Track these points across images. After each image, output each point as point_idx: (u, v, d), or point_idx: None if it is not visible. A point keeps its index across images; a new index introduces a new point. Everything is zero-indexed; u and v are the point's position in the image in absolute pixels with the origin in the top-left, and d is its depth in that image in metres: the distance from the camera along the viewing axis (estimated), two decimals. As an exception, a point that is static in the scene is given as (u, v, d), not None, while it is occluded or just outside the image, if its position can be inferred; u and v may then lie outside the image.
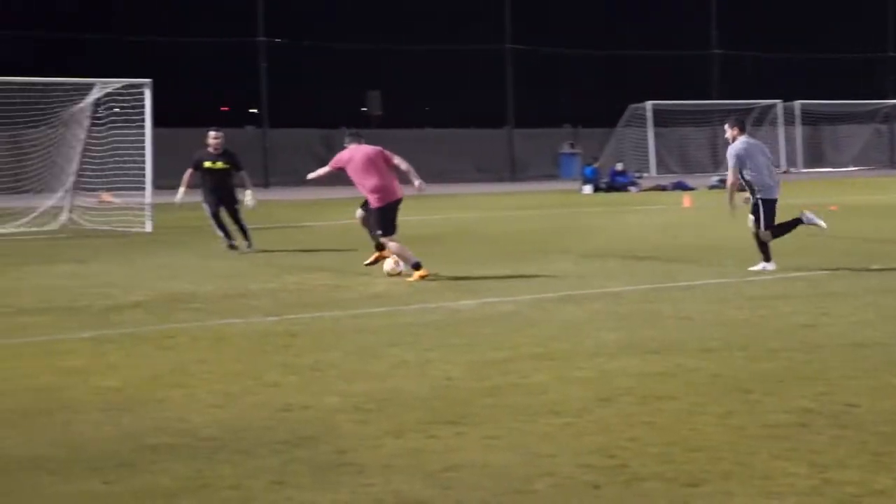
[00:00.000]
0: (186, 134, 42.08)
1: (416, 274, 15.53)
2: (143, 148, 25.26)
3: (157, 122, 25.61)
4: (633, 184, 41.54)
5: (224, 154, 19.72)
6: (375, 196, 15.86)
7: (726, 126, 16.97)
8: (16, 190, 27.18)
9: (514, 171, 50.82)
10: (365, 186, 15.91)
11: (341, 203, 31.83)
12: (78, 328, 11.93)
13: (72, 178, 25.96)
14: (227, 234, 19.63)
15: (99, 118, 25.74)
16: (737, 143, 16.52)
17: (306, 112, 50.46)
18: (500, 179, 49.17)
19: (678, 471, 6.72)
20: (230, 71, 49.52)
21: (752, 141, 16.88)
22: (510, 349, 10.63)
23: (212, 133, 19.72)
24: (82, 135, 25.83)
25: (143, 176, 25.19)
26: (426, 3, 52.71)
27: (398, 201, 15.95)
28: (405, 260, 15.78)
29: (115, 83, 25.57)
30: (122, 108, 25.63)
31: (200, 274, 16.53)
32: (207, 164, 19.61)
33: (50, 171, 26.37)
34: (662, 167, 52.48)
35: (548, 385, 9.12)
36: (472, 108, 52.73)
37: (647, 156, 52.32)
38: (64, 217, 25.69)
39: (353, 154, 16.03)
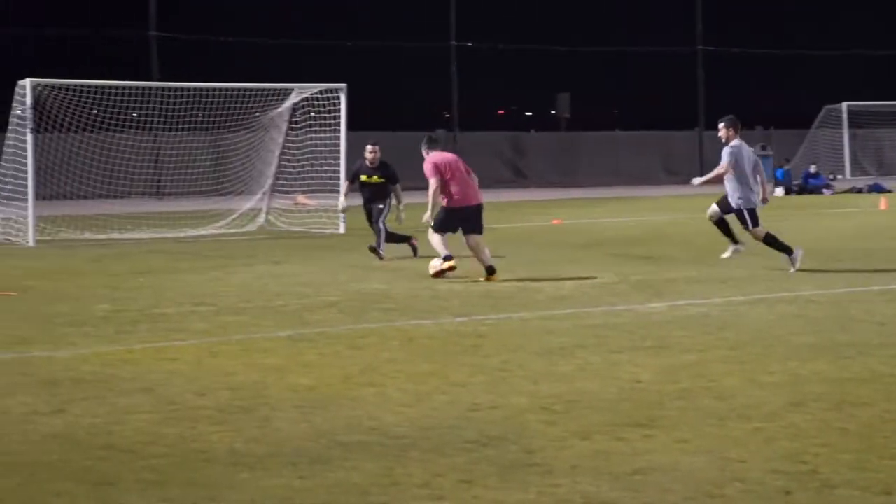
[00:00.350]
0: (378, 137, 42.77)
1: (445, 264, 15.95)
2: (337, 151, 25.70)
3: (351, 125, 26.03)
4: (827, 186, 40.59)
5: (380, 167, 19.87)
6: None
7: (720, 125, 16.96)
8: (217, 192, 27.93)
9: (703, 173, 49.90)
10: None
11: (528, 205, 31.91)
12: (275, 327, 12.21)
13: (269, 181, 26.57)
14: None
15: (296, 122, 26.28)
16: (732, 144, 16.77)
17: (495, 115, 50.64)
18: (689, 181, 48.30)
19: (872, 479, 6.56)
20: (422, 75, 49.99)
21: (745, 146, 17.06)
22: (700, 352, 10.51)
23: (368, 147, 19.91)
24: (280, 138, 26.41)
25: (338, 178, 25.62)
26: (614, 6, 52.38)
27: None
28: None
29: (312, 88, 26.07)
30: (317, 112, 26.12)
31: (392, 275, 16.75)
32: (364, 177, 19.83)
33: (249, 174, 27.03)
34: (858, 169, 51.03)
35: (738, 389, 9.00)
36: (661, 110, 52.23)
37: (841, 158, 50.99)
38: (262, 219, 26.30)
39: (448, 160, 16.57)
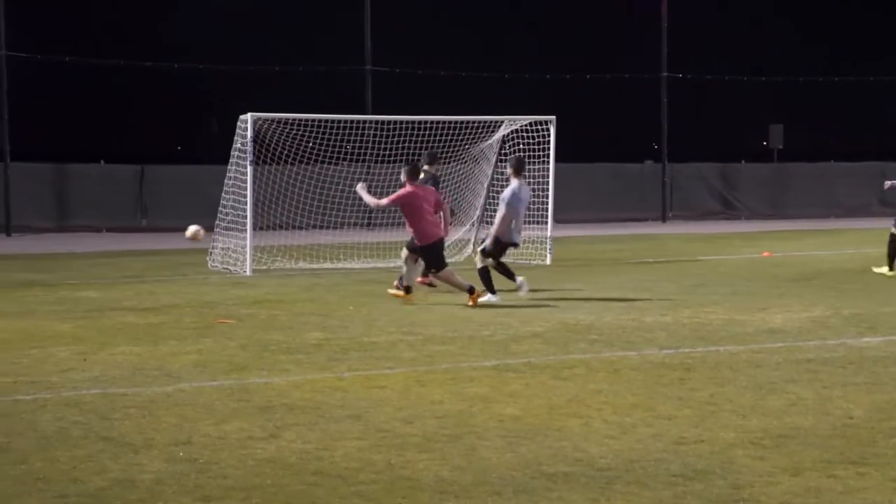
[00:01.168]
0: (584, 169, 42.79)
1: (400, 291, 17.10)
2: (544, 182, 25.75)
3: (558, 157, 26.05)
4: None
5: None
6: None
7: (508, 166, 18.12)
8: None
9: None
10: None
11: (738, 237, 31.40)
12: (481, 357, 12.28)
13: (478, 213, 26.75)
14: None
15: (504, 154, 26.43)
16: (512, 185, 17.63)
17: (706, 146, 50.02)
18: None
19: None
20: (631, 106, 49.75)
21: (524, 186, 18.12)
22: (915, 389, 10.24)
23: None
24: (489, 170, 26.58)
25: (545, 210, 25.66)
26: (829, 35, 51.26)
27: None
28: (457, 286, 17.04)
29: (522, 120, 26.20)
30: (526, 144, 26.21)
31: (597, 306, 16.68)
32: None
33: (458, 205, 27.27)
34: None
35: (955, 428, 8.74)
36: (877, 140, 50.84)
37: None
38: (469, 250, 26.50)
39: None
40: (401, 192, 17.18)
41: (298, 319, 15.40)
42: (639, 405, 9.64)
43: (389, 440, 8.49)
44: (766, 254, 26.72)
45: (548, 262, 24.53)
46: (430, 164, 19.61)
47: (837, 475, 7.43)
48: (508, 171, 18.51)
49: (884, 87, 49.84)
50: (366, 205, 17.80)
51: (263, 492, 7.18)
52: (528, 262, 24.65)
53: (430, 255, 17.11)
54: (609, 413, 9.35)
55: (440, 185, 21.12)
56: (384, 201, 17.18)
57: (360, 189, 17.36)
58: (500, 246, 17.85)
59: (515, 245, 18.42)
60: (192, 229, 20.84)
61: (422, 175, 18.98)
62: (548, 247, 25.06)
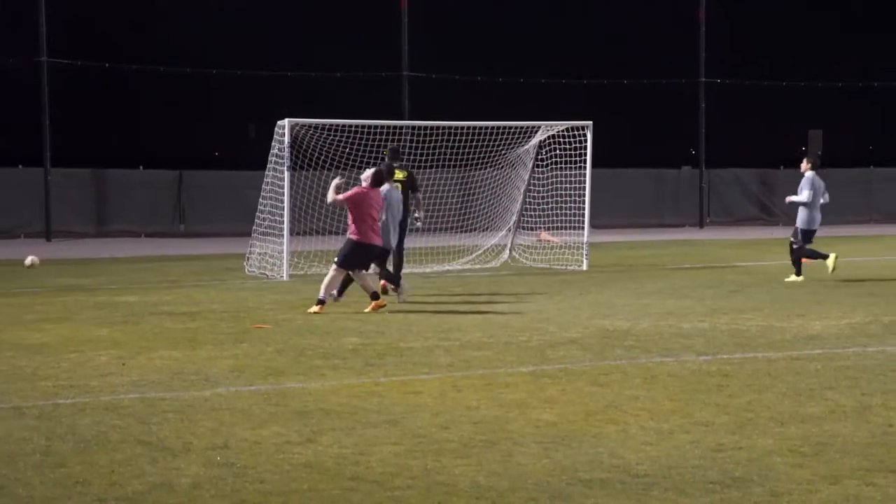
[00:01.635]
0: (621, 174, 42.67)
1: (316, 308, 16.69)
2: (581, 188, 25.71)
3: (594, 162, 26.00)
4: None
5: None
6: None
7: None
8: (463, 229, 28.24)
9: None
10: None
11: (775, 243, 31.23)
12: (517, 362, 12.26)
13: (514, 218, 26.74)
14: None
15: (541, 159, 26.41)
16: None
17: (744, 151, 49.80)
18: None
19: None
20: (668, 111, 49.61)
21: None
22: (955, 397, 10.18)
23: None
24: (525, 175, 26.57)
25: (581, 216, 25.61)
26: (866, 40, 50.90)
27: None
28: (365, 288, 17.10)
29: (559, 125, 26.16)
30: (562, 149, 26.18)
31: (634, 312, 16.63)
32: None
33: (495, 210, 27.26)
34: None
35: None
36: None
37: None
38: (506, 255, 26.48)
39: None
40: (355, 189, 17.31)
41: (335, 325, 15.43)
42: (676, 412, 9.61)
43: (426, 445, 8.49)
44: (804, 260, 26.59)
45: (584, 267, 24.48)
46: (392, 159, 19.80)
47: (877, 483, 7.38)
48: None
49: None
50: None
51: (300, 496, 7.19)
52: (564, 267, 24.63)
53: (359, 253, 17.16)
54: (646, 419, 9.32)
55: (417, 187, 21.23)
56: (340, 197, 17.24)
57: (333, 182, 17.44)
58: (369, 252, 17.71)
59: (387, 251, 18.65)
60: (28, 259, 23.13)
61: (401, 175, 19.16)
62: (584, 252, 25.00)
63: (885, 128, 52.97)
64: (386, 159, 19.91)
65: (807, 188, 20.78)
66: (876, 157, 51.62)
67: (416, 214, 21.11)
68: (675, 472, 7.69)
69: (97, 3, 46.07)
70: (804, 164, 21.19)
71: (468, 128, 26.40)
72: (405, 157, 25.05)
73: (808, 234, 20.88)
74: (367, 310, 16.75)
